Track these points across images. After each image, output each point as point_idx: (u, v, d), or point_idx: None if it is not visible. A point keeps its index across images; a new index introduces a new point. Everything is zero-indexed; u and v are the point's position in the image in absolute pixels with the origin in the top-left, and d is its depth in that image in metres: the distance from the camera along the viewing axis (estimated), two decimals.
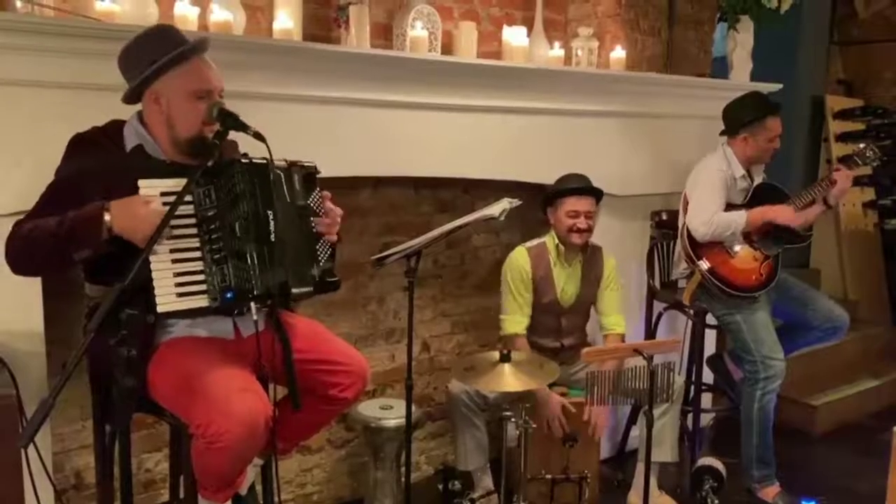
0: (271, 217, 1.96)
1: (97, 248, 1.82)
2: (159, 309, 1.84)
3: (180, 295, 1.87)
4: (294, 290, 2.00)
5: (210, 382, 1.86)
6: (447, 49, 3.15)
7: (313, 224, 2.07)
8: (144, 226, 1.79)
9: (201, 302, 1.90)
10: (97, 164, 1.92)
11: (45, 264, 1.93)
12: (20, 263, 1.91)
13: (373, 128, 2.79)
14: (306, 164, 2.09)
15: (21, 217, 1.93)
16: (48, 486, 2.02)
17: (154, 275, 1.84)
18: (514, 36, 3.22)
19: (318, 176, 2.11)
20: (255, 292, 1.92)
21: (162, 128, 1.98)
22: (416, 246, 2.46)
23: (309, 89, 2.62)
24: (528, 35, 3.30)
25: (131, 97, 1.99)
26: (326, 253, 2.10)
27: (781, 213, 3.22)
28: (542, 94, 3.21)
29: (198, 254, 1.91)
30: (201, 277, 1.90)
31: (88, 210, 1.83)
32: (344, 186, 2.84)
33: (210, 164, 1.89)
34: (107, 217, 1.81)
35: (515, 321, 3.06)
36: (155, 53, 1.93)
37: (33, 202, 1.95)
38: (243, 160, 1.97)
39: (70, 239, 1.82)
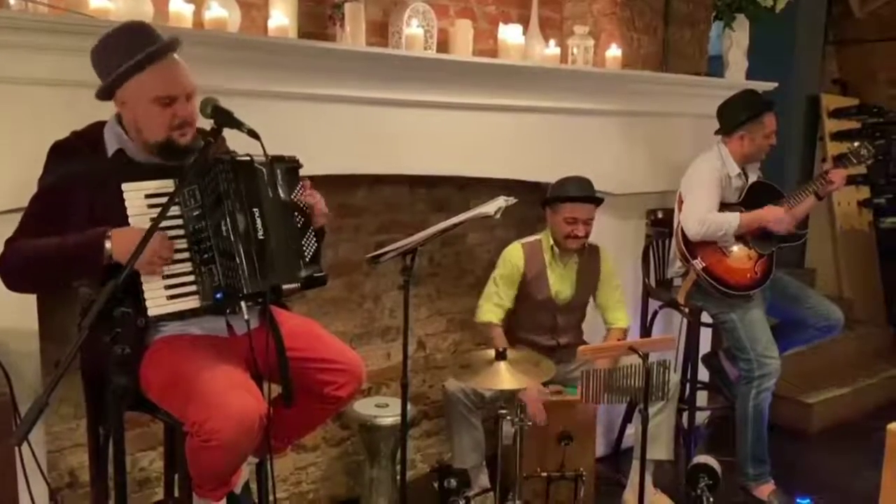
0: (257, 214, 1.95)
1: (95, 275, 1.82)
2: (150, 312, 1.84)
3: (170, 297, 1.87)
4: (283, 287, 1.99)
5: (204, 380, 1.86)
6: (443, 47, 3.15)
7: (298, 218, 2.07)
8: (145, 255, 1.76)
9: (192, 303, 1.90)
10: (79, 171, 1.90)
11: (43, 286, 1.95)
12: (17, 283, 1.91)
13: (368, 126, 2.79)
14: (288, 158, 2.08)
15: (12, 214, 1.92)
16: (42, 485, 2.01)
17: (143, 278, 1.84)
18: (510, 34, 3.22)
19: (300, 170, 2.10)
20: (244, 291, 1.91)
21: (132, 132, 1.96)
22: (412, 244, 2.46)
23: (304, 87, 2.61)
24: (524, 33, 3.29)
25: (104, 97, 1.95)
26: (312, 248, 2.10)
27: (773, 219, 3.22)
28: (537, 92, 3.21)
29: (186, 255, 1.90)
30: (191, 279, 1.90)
31: (89, 237, 1.82)
32: (339, 185, 2.83)
33: (193, 163, 1.87)
34: (107, 245, 1.81)
35: (490, 310, 3.07)
36: (121, 56, 1.87)
37: (27, 200, 1.94)
38: (225, 157, 1.96)
39: (70, 265, 1.83)
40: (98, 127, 2.00)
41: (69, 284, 1.87)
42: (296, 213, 2.06)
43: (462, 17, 3.23)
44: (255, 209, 1.95)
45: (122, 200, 1.85)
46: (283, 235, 2.01)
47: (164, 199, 1.83)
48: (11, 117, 2.08)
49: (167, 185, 1.89)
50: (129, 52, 1.88)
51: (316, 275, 2.09)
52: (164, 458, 2.42)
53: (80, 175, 1.90)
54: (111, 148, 1.96)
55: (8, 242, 1.89)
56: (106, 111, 2.02)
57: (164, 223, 1.84)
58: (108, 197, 1.85)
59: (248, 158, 1.96)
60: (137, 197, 1.85)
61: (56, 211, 1.87)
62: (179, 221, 1.90)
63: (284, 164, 2.06)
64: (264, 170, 1.99)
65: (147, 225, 1.76)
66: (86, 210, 1.87)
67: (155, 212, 1.81)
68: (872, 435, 3.38)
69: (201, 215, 1.91)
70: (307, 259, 2.07)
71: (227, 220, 1.92)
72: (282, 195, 2.03)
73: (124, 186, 1.85)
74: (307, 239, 2.09)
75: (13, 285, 1.90)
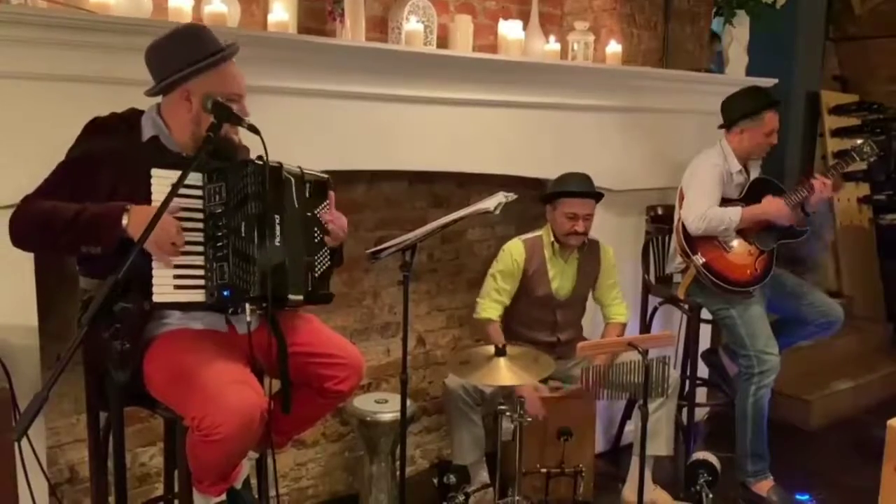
0: (277, 221, 1.96)
1: (108, 246, 1.82)
2: (155, 298, 1.85)
3: (177, 287, 1.87)
4: (289, 297, 2.00)
5: (205, 375, 1.86)
6: (443, 42, 3.14)
7: (317, 233, 2.08)
8: (159, 234, 1.78)
9: (197, 296, 1.90)
10: (112, 148, 1.92)
11: (50, 247, 1.93)
12: (25, 239, 1.90)
13: (368, 121, 2.79)
14: (320, 174, 2.11)
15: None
16: (42, 480, 2.01)
17: (154, 263, 1.85)
18: (510, 30, 3.22)
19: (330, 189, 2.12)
20: (251, 293, 1.91)
21: (187, 124, 1.98)
22: (412, 240, 2.46)
23: (304, 82, 2.61)
24: (524, 29, 3.29)
25: (159, 92, 1.98)
26: (325, 265, 2.11)
27: (776, 212, 3.22)
28: (538, 88, 3.20)
29: (200, 248, 1.91)
30: (200, 272, 1.91)
31: (109, 208, 1.83)
32: (339, 181, 2.80)
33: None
34: (125, 220, 1.81)
35: (490, 306, 3.07)
36: (193, 53, 1.93)
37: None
38: (257, 161, 1.96)
39: (85, 232, 1.82)
40: (136, 112, 2.02)
41: (77, 251, 1.86)
42: (315, 228, 2.08)
43: (462, 12, 3.23)
44: (276, 216, 1.96)
45: (149, 185, 1.85)
46: (298, 246, 2.02)
47: (190, 191, 1.86)
48: (12, 112, 2.08)
49: (196, 178, 1.90)
50: (200, 49, 1.94)
51: (321, 291, 2.11)
52: (164, 454, 2.43)
53: (110, 153, 1.91)
54: (147, 134, 1.99)
55: (24, 199, 1.90)
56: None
57: (186, 213, 1.87)
58: (135, 180, 1.86)
59: (278, 165, 1.96)
60: (165, 184, 1.84)
61: (79, 182, 1.89)
62: (200, 215, 1.91)
63: (314, 178, 2.09)
64: (293, 180, 2.02)
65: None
66: (108, 188, 1.88)
67: (180, 201, 1.83)
68: (871, 431, 3.39)
69: (224, 213, 1.92)
70: (317, 274, 2.08)
71: (248, 221, 1.92)
72: (306, 208, 2.05)
73: (154, 171, 1.86)
74: (321, 255, 2.10)
75: (19, 240, 1.90)
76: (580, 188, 3.02)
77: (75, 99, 2.11)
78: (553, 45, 3.37)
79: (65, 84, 2.14)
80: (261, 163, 1.95)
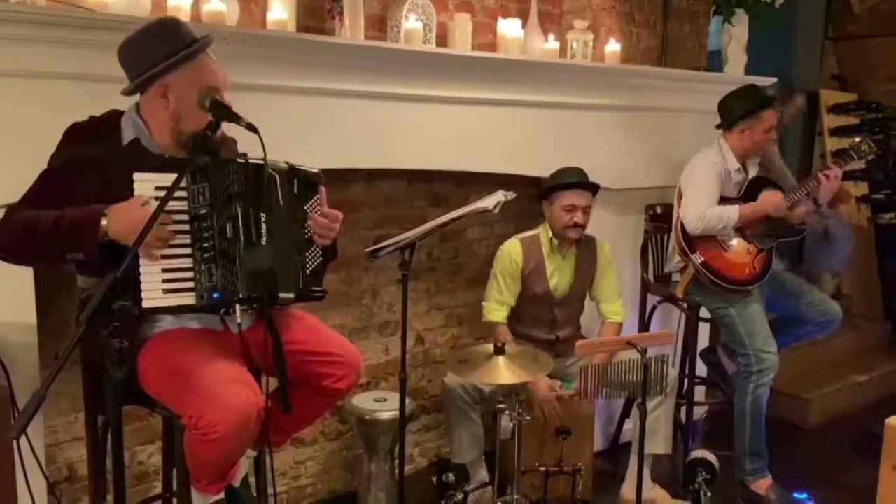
0: (263, 220, 1.94)
1: (89, 252, 1.80)
2: (144, 304, 1.83)
3: (166, 291, 1.85)
4: (280, 296, 1.98)
5: (202, 374, 1.86)
6: (442, 41, 3.14)
7: (307, 230, 2.06)
8: (140, 230, 1.76)
9: (187, 300, 1.88)
10: (93, 155, 1.89)
11: (36, 258, 1.93)
12: (11, 253, 1.89)
13: (367, 120, 2.79)
14: (309, 170, 2.07)
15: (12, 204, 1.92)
16: (41, 479, 2.00)
17: (142, 269, 1.82)
18: (510, 28, 3.22)
19: (320, 185, 2.09)
20: (240, 295, 1.90)
21: (164, 121, 1.95)
22: (410, 238, 2.45)
23: (302, 81, 2.61)
24: (523, 27, 3.29)
25: (135, 89, 1.96)
26: (316, 261, 2.09)
27: (771, 204, 3.21)
28: (536, 86, 3.20)
29: (188, 251, 1.89)
30: (189, 275, 1.88)
31: (86, 213, 1.81)
32: (338, 179, 2.83)
33: (206, 160, 1.86)
34: (104, 222, 1.79)
35: (496, 309, 3.08)
36: (168, 47, 1.90)
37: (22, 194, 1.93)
38: (240, 160, 1.94)
39: (65, 239, 1.81)
40: (116, 114, 1.99)
41: (63, 259, 1.85)
42: (305, 225, 2.06)
43: (461, 10, 3.23)
44: (262, 214, 1.93)
45: (132, 190, 1.83)
46: (287, 245, 2.00)
47: (174, 193, 1.82)
48: (8, 110, 2.07)
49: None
50: (174, 42, 1.90)
51: (313, 288, 2.08)
52: (162, 452, 2.43)
53: (92, 159, 1.89)
54: (127, 137, 1.96)
55: (7, 212, 1.89)
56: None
57: (172, 217, 1.84)
58: (118, 186, 1.84)
59: (263, 162, 1.92)
60: (148, 188, 1.83)
61: (62, 190, 1.87)
62: (186, 216, 1.89)
63: (302, 174, 2.05)
64: (277, 176, 1.98)
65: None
66: (94, 195, 1.86)
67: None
68: (870, 429, 3.40)
69: (209, 213, 1.89)
70: (308, 272, 2.06)
71: (233, 221, 1.90)
72: (294, 205, 2.02)
73: (136, 176, 1.83)
74: (312, 252, 2.08)
75: (5, 252, 1.89)
76: (577, 179, 3.03)
77: (74, 97, 2.11)
78: (552, 44, 3.37)
79: (64, 82, 2.13)
80: (244, 161, 1.93)
